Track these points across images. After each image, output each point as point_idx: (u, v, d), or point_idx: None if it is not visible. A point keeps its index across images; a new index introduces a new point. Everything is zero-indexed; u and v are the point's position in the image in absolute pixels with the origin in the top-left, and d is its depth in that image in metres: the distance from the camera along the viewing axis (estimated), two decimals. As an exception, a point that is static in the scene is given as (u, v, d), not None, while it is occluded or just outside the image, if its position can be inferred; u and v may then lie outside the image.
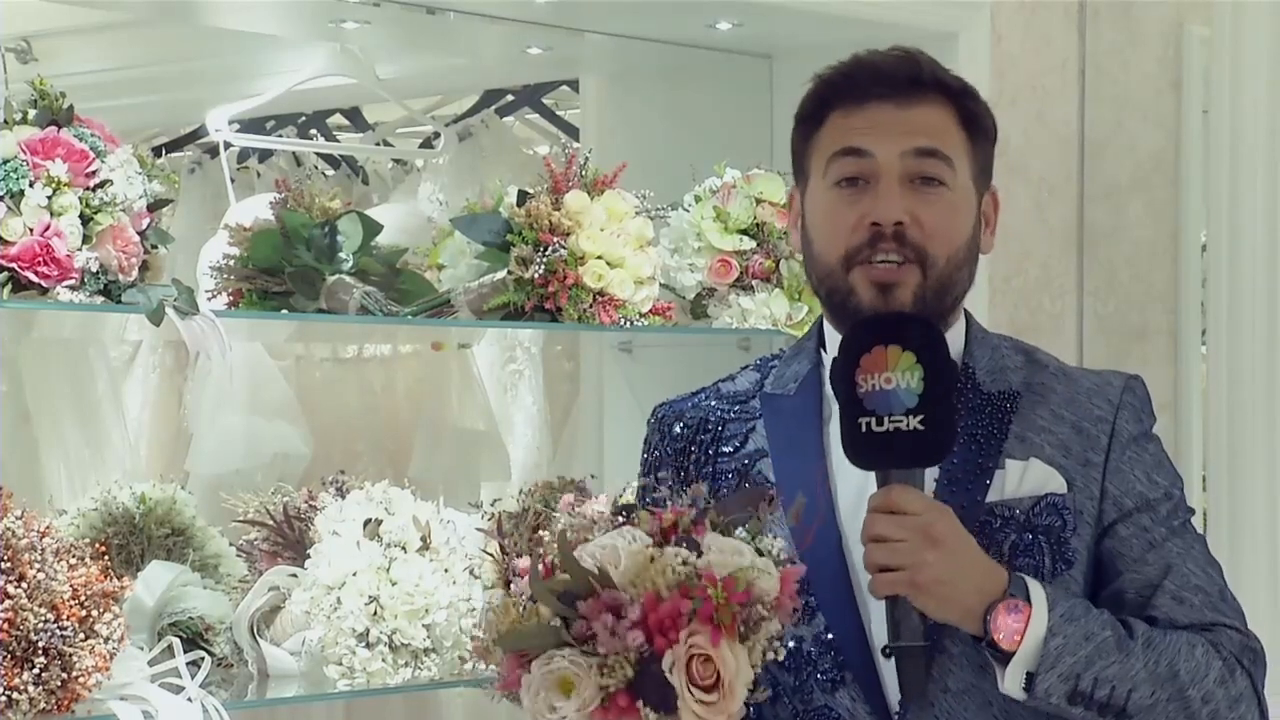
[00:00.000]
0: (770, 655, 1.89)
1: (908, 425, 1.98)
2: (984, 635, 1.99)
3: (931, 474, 2.08)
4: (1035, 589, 2.00)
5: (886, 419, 1.99)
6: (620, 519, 1.94)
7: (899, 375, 1.99)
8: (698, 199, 3.51)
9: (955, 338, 2.15)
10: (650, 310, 3.29)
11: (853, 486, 2.09)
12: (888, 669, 2.07)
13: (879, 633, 2.07)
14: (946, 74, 2.15)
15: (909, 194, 2.08)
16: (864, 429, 2.00)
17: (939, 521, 1.98)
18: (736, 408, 2.22)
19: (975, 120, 2.15)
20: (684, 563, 1.87)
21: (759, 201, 3.46)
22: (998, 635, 1.98)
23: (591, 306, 3.20)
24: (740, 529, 1.94)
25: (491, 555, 3.21)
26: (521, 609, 1.90)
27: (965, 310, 2.19)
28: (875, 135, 2.09)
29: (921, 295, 2.08)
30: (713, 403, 2.24)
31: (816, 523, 2.04)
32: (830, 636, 2.09)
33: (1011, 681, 1.99)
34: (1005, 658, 1.99)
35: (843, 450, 2.03)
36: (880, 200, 2.08)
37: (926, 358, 2.00)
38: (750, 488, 2.13)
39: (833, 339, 2.16)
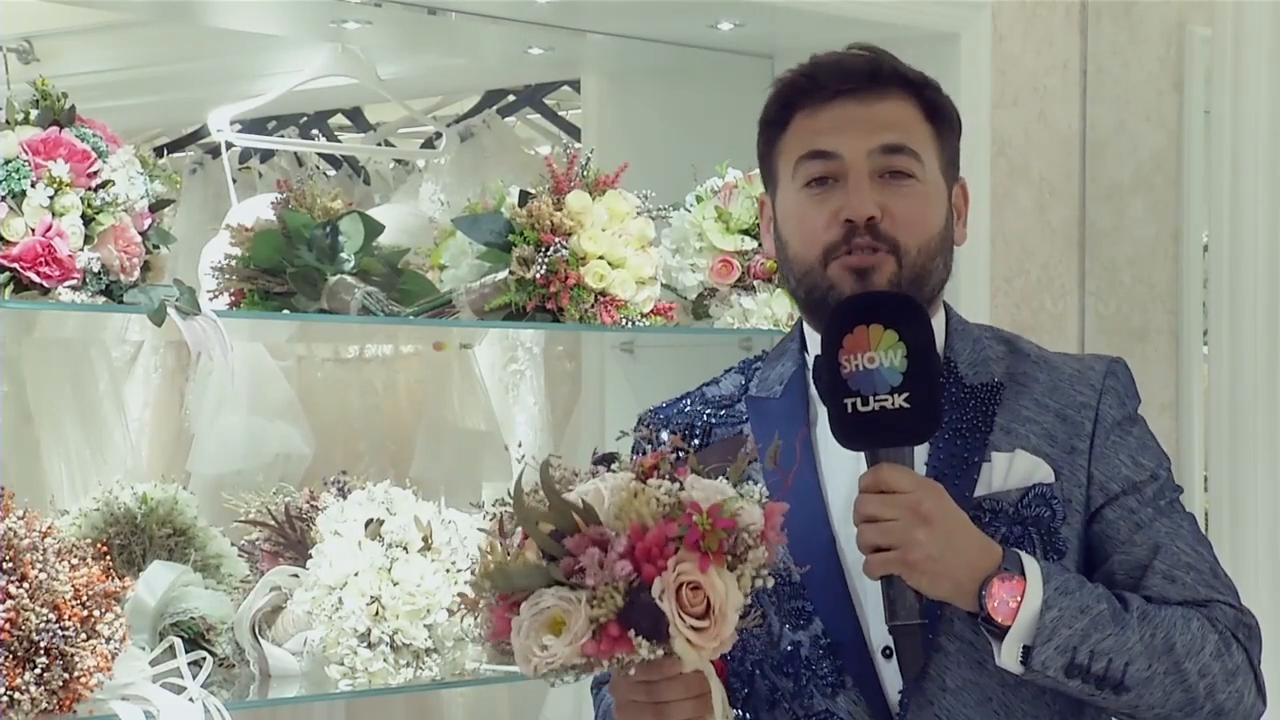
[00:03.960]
0: (759, 583, 1.88)
1: (893, 404, 1.98)
2: (979, 611, 1.98)
3: (919, 469, 2.07)
4: (1029, 563, 2.00)
5: (872, 398, 1.99)
6: (601, 468, 1.95)
7: (881, 354, 1.99)
8: (699, 199, 3.51)
9: (935, 331, 2.14)
10: (652, 310, 3.29)
11: (843, 488, 2.09)
12: (887, 670, 2.07)
13: (877, 635, 2.07)
14: (906, 68, 2.15)
15: (879, 188, 2.08)
16: (850, 410, 1.99)
17: (928, 499, 1.98)
18: (723, 412, 2.22)
19: (939, 111, 2.15)
20: (668, 494, 1.87)
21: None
22: (993, 609, 1.98)
23: (593, 307, 3.20)
24: (721, 477, 1.94)
25: (493, 555, 3.21)
26: (507, 551, 1.89)
27: (945, 303, 2.19)
28: (841, 135, 2.09)
29: (897, 284, 2.08)
30: (699, 408, 2.24)
31: (795, 467, 2.02)
32: (828, 640, 2.08)
33: (1008, 656, 1.99)
34: (1001, 633, 1.99)
35: (831, 433, 2.02)
36: (851, 196, 2.08)
37: (908, 335, 1.99)
38: (729, 439, 2.14)
39: (814, 340, 2.15)
